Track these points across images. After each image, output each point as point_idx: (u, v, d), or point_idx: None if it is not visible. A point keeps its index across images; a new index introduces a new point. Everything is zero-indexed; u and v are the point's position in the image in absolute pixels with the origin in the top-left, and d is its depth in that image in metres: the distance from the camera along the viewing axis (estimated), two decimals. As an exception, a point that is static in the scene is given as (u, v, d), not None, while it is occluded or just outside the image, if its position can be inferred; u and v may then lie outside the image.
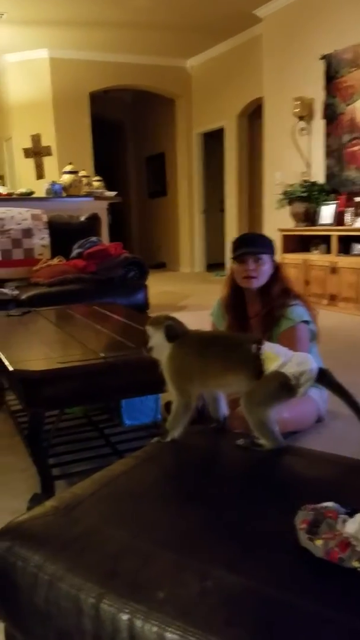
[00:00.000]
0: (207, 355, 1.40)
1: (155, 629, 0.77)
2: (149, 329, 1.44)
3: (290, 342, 2.19)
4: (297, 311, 2.23)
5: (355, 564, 0.84)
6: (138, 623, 0.79)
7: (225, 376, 1.38)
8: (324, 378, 1.37)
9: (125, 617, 0.81)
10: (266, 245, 2.27)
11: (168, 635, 0.76)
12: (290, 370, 1.32)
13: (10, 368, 1.79)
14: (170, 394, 1.41)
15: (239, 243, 2.28)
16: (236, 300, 2.35)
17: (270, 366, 1.33)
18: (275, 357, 1.35)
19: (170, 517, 1.05)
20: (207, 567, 0.86)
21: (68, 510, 1.06)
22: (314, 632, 0.75)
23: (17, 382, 1.82)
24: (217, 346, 1.46)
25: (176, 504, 1.11)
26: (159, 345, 1.41)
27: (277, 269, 2.29)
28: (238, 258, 2.23)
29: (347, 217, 5.27)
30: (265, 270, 2.23)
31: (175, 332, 1.41)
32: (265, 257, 2.23)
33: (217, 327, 2.43)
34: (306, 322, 2.24)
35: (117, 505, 1.10)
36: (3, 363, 1.89)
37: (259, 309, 2.29)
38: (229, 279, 2.36)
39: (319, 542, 0.87)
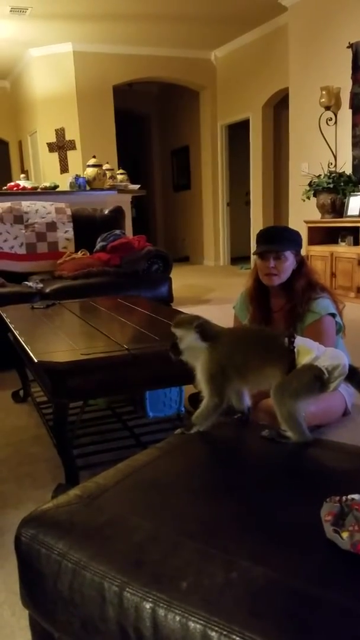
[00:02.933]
0: (247, 350, 1.39)
1: (178, 618, 0.77)
2: (177, 331, 1.40)
3: (316, 335, 2.15)
4: (323, 304, 2.19)
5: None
6: (161, 612, 0.79)
7: (263, 370, 1.36)
8: (354, 376, 1.35)
9: (148, 605, 0.80)
10: (289, 240, 2.21)
11: (191, 624, 0.76)
12: (323, 363, 1.30)
13: (35, 360, 1.80)
14: (203, 392, 1.40)
15: (260, 238, 2.23)
16: (260, 294, 2.31)
17: (303, 359, 1.32)
18: (309, 350, 1.33)
19: (195, 507, 1.05)
20: (232, 558, 0.85)
21: (92, 499, 1.06)
22: (341, 625, 0.73)
23: (42, 373, 1.83)
24: (254, 340, 1.45)
25: (201, 495, 1.10)
26: (192, 347, 1.39)
27: (301, 263, 2.24)
28: (259, 255, 2.20)
29: (375, 209, 5.18)
30: (286, 267, 2.18)
31: (208, 330, 1.39)
32: (287, 254, 2.18)
33: (239, 319, 2.41)
34: (332, 314, 2.20)
35: (141, 495, 1.10)
36: (28, 355, 1.91)
37: (283, 304, 2.26)
38: (254, 272, 2.33)
39: (345, 535, 0.86)
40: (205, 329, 1.39)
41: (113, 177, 6.18)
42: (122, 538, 0.94)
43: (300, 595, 0.78)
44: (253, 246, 8.12)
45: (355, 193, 5.42)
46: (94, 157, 5.96)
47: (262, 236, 2.24)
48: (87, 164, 5.87)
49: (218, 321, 1.48)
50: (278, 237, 2.22)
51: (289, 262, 2.18)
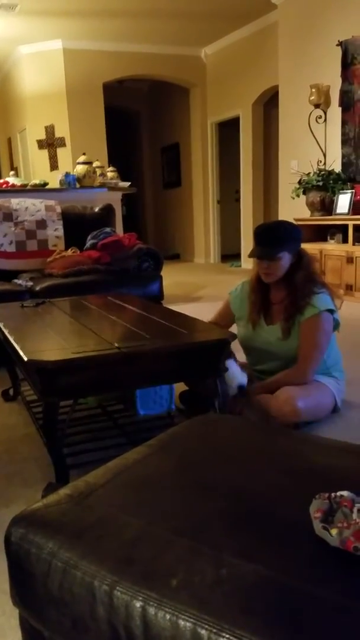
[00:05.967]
0: None
1: (168, 616, 0.77)
2: None
3: (312, 330, 2.17)
4: (323, 299, 2.20)
5: (371, 553, 0.83)
6: (151, 610, 0.79)
7: None
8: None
9: (138, 604, 0.80)
10: (282, 239, 2.20)
11: (181, 622, 0.76)
12: None
13: (25, 358, 1.79)
14: None
15: (255, 238, 2.23)
16: (261, 286, 2.34)
17: None
18: None
19: (185, 505, 1.05)
20: (222, 555, 0.86)
21: (82, 498, 1.06)
22: (331, 620, 0.74)
23: (32, 372, 1.82)
24: None
25: (191, 492, 1.11)
26: None
27: (301, 257, 2.25)
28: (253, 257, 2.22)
29: (364, 206, 5.20)
30: (281, 266, 2.20)
31: None
32: (280, 254, 2.19)
33: (234, 306, 2.42)
34: (331, 311, 2.21)
35: (132, 493, 1.10)
36: (18, 353, 1.90)
37: (282, 297, 2.27)
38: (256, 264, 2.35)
39: (334, 531, 0.86)
40: None
41: (103, 175, 6.15)
42: (112, 537, 0.94)
43: (291, 591, 0.78)
44: (243, 244, 8.16)
45: (345, 191, 5.44)
46: (84, 154, 5.93)
47: (257, 237, 2.24)
48: (77, 161, 5.84)
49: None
50: (270, 239, 2.21)
51: (283, 260, 2.20)
